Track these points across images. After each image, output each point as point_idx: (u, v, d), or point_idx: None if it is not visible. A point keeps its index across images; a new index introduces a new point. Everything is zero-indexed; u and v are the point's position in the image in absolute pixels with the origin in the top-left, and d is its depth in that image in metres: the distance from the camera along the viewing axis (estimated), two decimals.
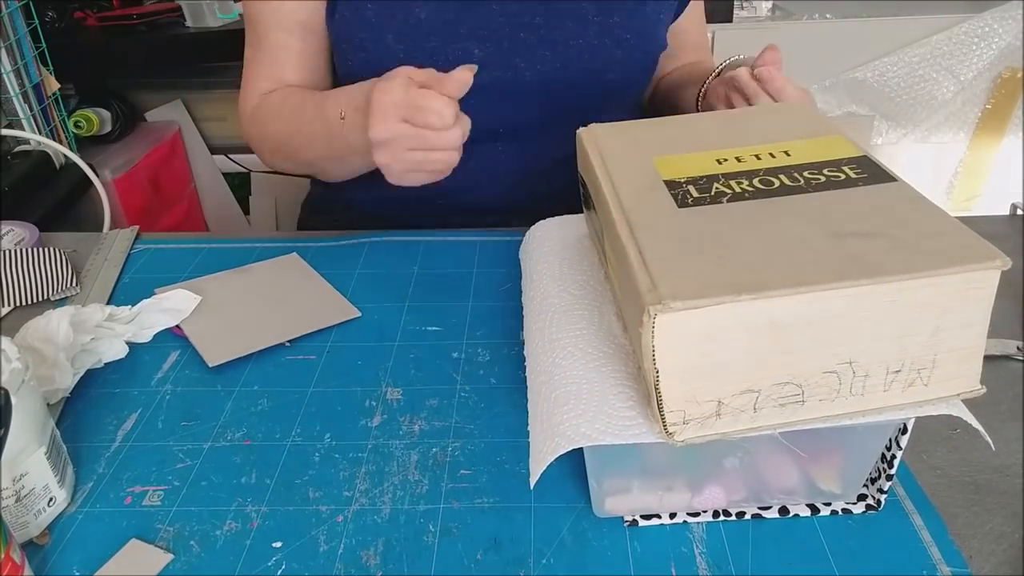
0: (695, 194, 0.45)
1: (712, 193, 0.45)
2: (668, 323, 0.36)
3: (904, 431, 0.42)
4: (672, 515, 0.45)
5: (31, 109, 1.22)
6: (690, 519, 0.45)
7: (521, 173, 0.81)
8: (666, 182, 0.47)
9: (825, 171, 0.46)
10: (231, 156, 1.79)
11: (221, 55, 1.60)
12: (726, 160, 0.49)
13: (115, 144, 1.56)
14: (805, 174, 0.46)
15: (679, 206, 0.44)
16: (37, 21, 1.23)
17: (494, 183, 0.81)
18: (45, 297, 0.67)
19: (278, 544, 0.45)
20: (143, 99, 1.71)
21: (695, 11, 0.89)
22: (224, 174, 1.81)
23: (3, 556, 0.38)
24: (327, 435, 0.52)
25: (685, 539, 0.44)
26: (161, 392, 0.56)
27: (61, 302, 0.67)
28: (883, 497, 0.45)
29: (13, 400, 0.42)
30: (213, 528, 0.46)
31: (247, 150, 1.78)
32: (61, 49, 1.30)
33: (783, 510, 0.45)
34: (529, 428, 0.44)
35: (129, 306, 0.62)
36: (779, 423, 0.40)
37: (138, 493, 0.48)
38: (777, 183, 0.45)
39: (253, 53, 0.79)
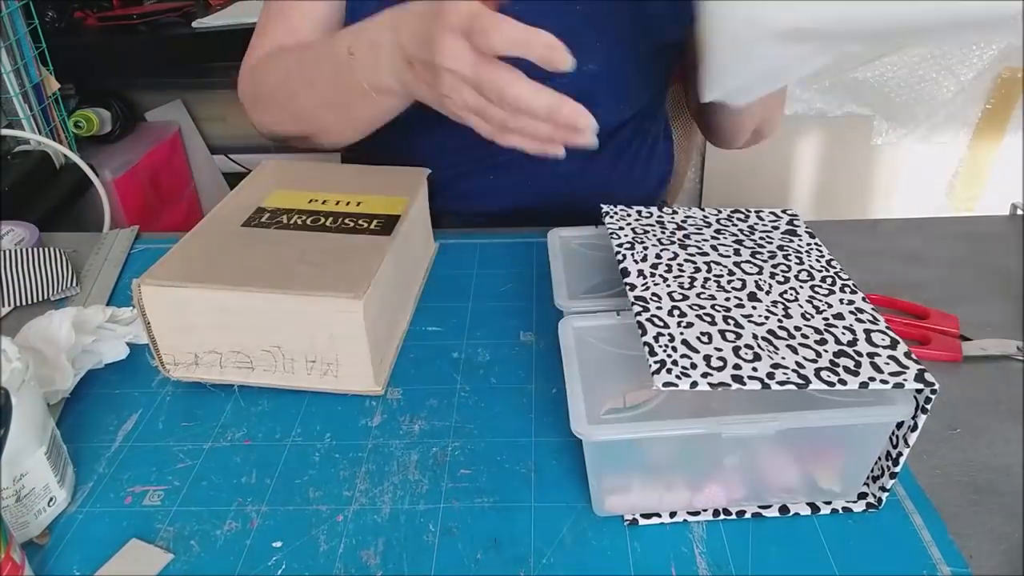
0: (262, 219, 0.60)
1: (273, 221, 0.60)
2: (149, 293, 0.52)
3: (914, 428, 0.42)
4: (672, 514, 0.45)
5: (31, 109, 1.22)
6: (690, 518, 0.45)
7: (526, 183, 0.81)
8: (258, 208, 0.62)
9: (359, 221, 0.60)
10: (231, 156, 1.80)
11: (221, 55, 1.60)
12: (316, 200, 0.63)
13: (115, 144, 1.57)
14: (345, 220, 0.60)
15: (242, 225, 0.59)
16: (37, 21, 1.23)
17: (500, 196, 0.81)
18: (45, 297, 0.67)
19: (278, 544, 0.45)
20: (143, 99, 1.71)
21: None
22: (224, 174, 1.82)
23: (3, 556, 0.38)
24: (327, 435, 0.52)
25: (685, 539, 0.44)
26: (162, 393, 0.56)
27: (61, 302, 0.67)
28: (884, 496, 0.45)
29: (13, 400, 0.42)
30: (213, 528, 0.46)
31: (247, 150, 1.79)
32: (61, 49, 1.30)
33: (783, 509, 0.45)
34: None
35: (130, 307, 0.62)
36: (240, 380, 0.55)
37: (138, 493, 0.48)
38: (321, 221, 0.60)
39: (268, 17, 0.76)
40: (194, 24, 1.54)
